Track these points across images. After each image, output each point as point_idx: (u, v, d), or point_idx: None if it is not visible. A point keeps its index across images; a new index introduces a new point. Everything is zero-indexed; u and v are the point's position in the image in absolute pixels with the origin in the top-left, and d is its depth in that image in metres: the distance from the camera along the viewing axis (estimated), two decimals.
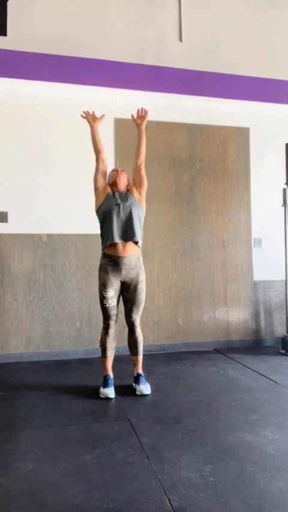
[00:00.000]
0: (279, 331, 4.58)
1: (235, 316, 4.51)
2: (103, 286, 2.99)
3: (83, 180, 4.10)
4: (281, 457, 2.10)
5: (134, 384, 3.13)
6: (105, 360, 3.09)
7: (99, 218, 3.11)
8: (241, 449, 2.18)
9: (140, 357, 3.15)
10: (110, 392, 2.97)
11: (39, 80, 3.86)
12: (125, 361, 3.47)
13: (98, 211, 3.11)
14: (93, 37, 4.01)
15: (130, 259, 2.99)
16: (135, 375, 3.14)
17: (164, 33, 4.23)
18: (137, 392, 3.04)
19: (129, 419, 2.57)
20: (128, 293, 3.05)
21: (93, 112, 3.16)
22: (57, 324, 4.04)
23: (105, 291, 2.97)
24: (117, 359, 3.25)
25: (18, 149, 3.99)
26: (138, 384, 3.07)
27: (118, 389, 3.06)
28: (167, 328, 4.31)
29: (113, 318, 3.04)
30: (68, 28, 3.95)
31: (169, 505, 1.73)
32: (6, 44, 3.78)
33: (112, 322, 3.04)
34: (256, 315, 4.59)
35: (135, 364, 3.16)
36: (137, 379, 3.11)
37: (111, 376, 3.09)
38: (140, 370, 3.14)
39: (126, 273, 3.00)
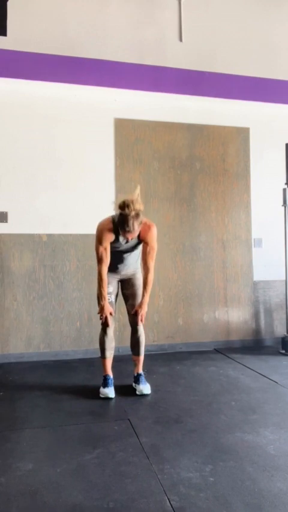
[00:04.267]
0: (279, 331, 4.58)
1: (235, 316, 4.51)
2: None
3: (83, 180, 4.11)
4: (281, 457, 2.10)
5: (134, 384, 3.13)
6: (104, 361, 3.09)
7: None
8: (241, 449, 2.18)
9: (141, 357, 3.15)
10: (110, 392, 2.97)
11: (39, 80, 3.85)
12: (125, 361, 3.47)
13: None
14: (93, 37, 4.01)
15: (128, 271, 3.09)
16: (135, 374, 3.14)
17: (164, 33, 4.23)
18: (137, 392, 3.04)
19: (129, 419, 2.57)
20: (127, 290, 3.10)
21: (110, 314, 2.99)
22: (57, 324, 4.04)
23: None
24: (117, 359, 3.25)
25: (18, 149, 3.99)
26: (138, 384, 3.07)
27: (118, 389, 3.06)
28: (167, 328, 4.31)
29: (111, 315, 3.04)
30: (67, 28, 3.95)
31: (169, 505, 1.73)
32: (6, 44, 3.78)
33: (111, 320, 3.05)
34: (256, 315, 4.59)
35: (135, 364, 3.16)
36: (137, 379, 3.11)
37: (111, 376, 3.09)
38: (141, 370, 3.14)
39: (125, 272, 3.08)
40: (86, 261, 4.08)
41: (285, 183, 4.26)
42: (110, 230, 2.84)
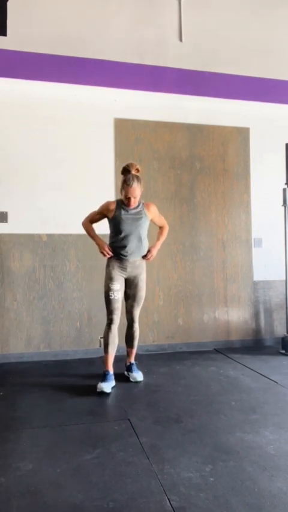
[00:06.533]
0: (279, 331, 4.58)
1: (235, 316, 4.51)
2: (110, 280, 3.15)
3: (83, 180, 4.11)
4: (281, 457, 2.10)
5: (126, 373, 3.31)
6: (106, 356, 3.16)
7: (109, 222, 3.22)
8: (241, 449, 2.18)
9: (135, 350, 3.40)
10: (105, 387, 3.02)
11: (39, 80, 3.85)
12: (124, 361, 3.47)
13: (108, 218, 3.21)
14: (93, 37, 4.00)
15: (135, 259, 3.20)
16: (128, 364, 3.35)
17: (164, 33, 4.23)
18: (131, 379, 3.23)
19: (129, 419, 2.57)
20: (130, 289, 3.23)
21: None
22: (57, 324, 4.04)
23: (112, 283, 3.13)
24: (117, 359, 3.26)
25: (18, 149, 3.99)
26: (132, 372, 3.28)
27: (118, 389, 3.06)
28: (167, 328, 4.31)
29: (117, 312, 3.16)
30: (68, 28, 3.95)
31: (169, 505, 1.73)
32: (6, 44, 3.78)
33: (115, 317, 3.16)
34: (256, 315, 4.59)
35: (129, 355, 3.37)
36: (129, 367, 3.32)
37: (111, 372, 3.15)
38: (133, 360, 3.37)
39: (131, 270, 3.19)
40: (86, 261, 4.08)
41: (285, 183, 4.26)
42: (111, 203, 3.18)
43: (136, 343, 3.37)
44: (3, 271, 3.93)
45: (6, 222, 3.95)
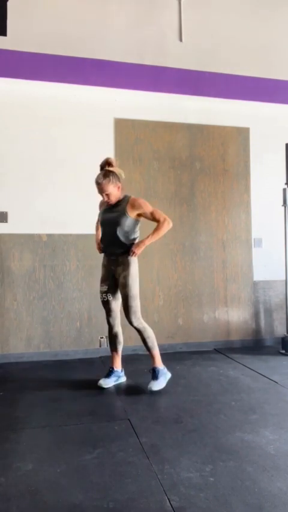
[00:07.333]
0: (279, 331, 4.58)
1: (235, 316, 4.51)
2: (100, 282, 3.20)
3: (83, 180, 4.10)
4: (281, 457, 2.10)
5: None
6: (111, 353, 3.24)
7: None
8: (241, 449, 2.18)
9: (153, 352, 3.10)
10: (103, 382, 3.10)
11: (39, 80, 3.85)
12: (126, 361, 3.47)
13: None
14: (93, 37, 4.00)
15: (117, 256, 3.10)
16: (151, 368, 3.13)
17: (164, 33, 4.23)
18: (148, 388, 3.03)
19: (129, 419, 2.57)
20: (120, 289, 3.11)
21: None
22: (57, 324, 4.04)
23: (101, 286, 3.18)
24: (123, 359, 3.30)
25: (18, 149, 3.99)
26: (151, 379, 3.07)
27: (118, 389, 3.06)
28: (167, 328, 4.31)
29: (110, 313, 3.18)
30: (68, 28, 3.95)
31: (169, 505, 1.73)
32: (6, 44, 3.78)
33: (110, 318, 3.19)
34: (256, 315, 4.59)
35: (150, 358, 3.15)
36: (153, 372, 3.10)
37: (115, 368, 3.20)
38: (155, 365, 3.10)
39: (115, 268, 3.12)
40: (86, 261, 4.08)
41: (285, 183, 4.26)
42: (101, 202, 3.23)
43: (150, 344, 3.08)
44: (3, 271, 3.93)
45: (6, 222, 3.95)
